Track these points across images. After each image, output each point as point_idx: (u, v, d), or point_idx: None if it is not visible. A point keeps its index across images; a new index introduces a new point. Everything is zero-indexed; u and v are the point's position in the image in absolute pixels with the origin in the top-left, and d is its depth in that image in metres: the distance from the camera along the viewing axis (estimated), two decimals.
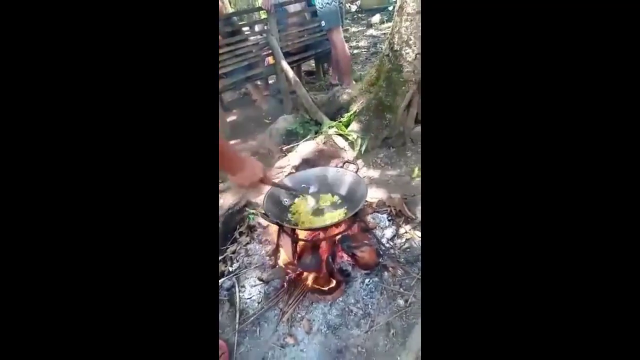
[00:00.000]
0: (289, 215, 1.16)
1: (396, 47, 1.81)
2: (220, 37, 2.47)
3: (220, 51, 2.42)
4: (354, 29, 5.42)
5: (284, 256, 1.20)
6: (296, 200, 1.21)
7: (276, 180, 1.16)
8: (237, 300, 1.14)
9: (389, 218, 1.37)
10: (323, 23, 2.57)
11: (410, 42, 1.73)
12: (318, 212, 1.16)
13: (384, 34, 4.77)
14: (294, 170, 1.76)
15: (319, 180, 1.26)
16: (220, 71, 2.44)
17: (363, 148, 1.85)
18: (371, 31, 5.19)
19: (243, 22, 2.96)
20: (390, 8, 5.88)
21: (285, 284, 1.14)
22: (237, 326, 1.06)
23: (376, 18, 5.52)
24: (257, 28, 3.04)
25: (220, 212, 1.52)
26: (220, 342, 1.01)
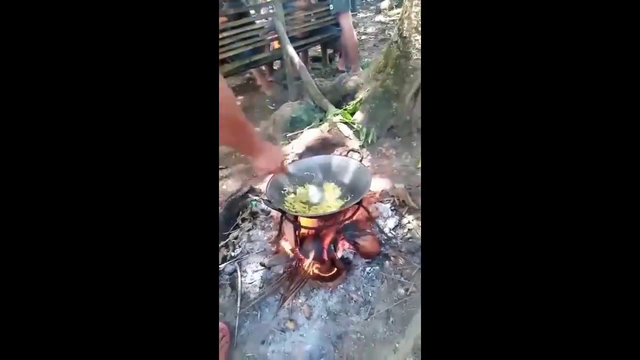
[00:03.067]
0: (285, 205, 1.14)
1: (405, 33, 1.76)
2: (224, 19, 2.41)
3: (225, 34, 2.38)
4: (362, 15, 5.29)
5: (286, 243, 1.20)
6: (297, 191, 1.20)
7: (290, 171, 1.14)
8: (239, 284, 1.16)
9: (392, 208, 1.36)
10: (331, 6, 2.50)
11: (420, 28, 1.68)
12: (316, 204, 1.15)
13: (393, 20, 4.65)
14: (297, 158, 1.75)
15: (323, 168, 1.25)
16: (224, 55, 2.40)
17: (370, 138, 1.82)
18: (380, 17, 5.05)
19: (249, 5, 2.88)
20: None
21: (286, 270, 1.15)
22: (238, 310, 1.08)
23: (385, 3, 5.37)
24: (262, 11, 2.97)
25: (223, 198, 1.52)
26: (222, 324, 1.03)
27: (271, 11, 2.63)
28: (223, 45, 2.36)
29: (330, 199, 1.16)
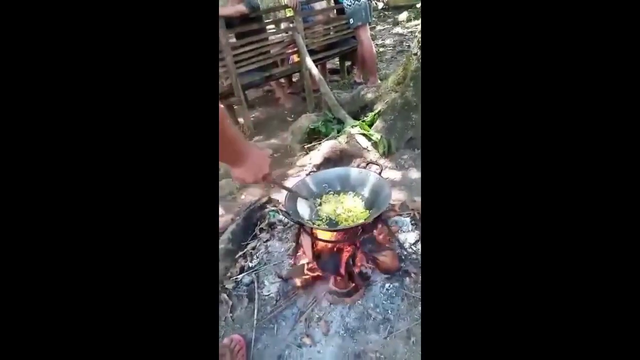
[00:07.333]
0: (314, 220, 1.11)
1: None
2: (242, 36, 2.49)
3: (245, 49, 2.45)
4: (379, 27, 5.34)
5: (304, 256, 1.19)
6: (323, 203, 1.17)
7: (285, 184, 0.97)
8: (256, 296, 1.15)
9: (412, 222, 1.33)
10: (351, 20, 2.53)
11: None
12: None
13: (411, 32, 4.66)
14: (315, 169, 1.75)
15: (341, 180, 1.24)
16: (245, 69, 2.47)
17: (391, 149, 1.80)
18: (397, 29, 5.08)
19: (269, 20, 2.97)
20: (418, 5, 5.73)
21: (304, 283, 1.14)
22: (255, 322, 1.07)
23: (403, 16, 5.40)
24: (282, 25, 3.05)
25: (242, 208, 1.54)
26: (238, 337, 1.02)
27: (291, 25, 2.70)
28: (239, 61, 2.42)
29: (355, 210, 1.13)
